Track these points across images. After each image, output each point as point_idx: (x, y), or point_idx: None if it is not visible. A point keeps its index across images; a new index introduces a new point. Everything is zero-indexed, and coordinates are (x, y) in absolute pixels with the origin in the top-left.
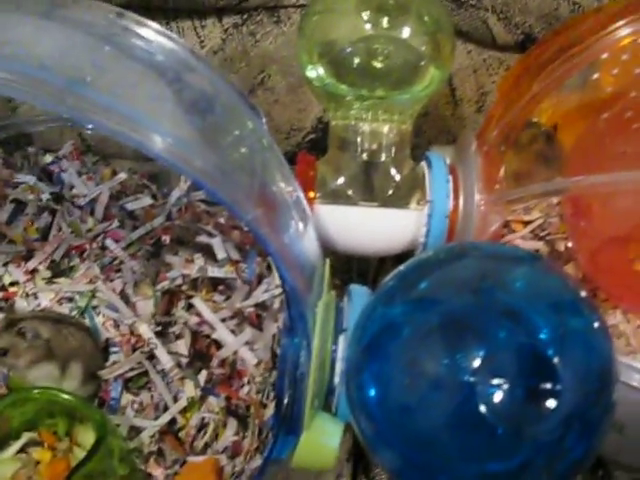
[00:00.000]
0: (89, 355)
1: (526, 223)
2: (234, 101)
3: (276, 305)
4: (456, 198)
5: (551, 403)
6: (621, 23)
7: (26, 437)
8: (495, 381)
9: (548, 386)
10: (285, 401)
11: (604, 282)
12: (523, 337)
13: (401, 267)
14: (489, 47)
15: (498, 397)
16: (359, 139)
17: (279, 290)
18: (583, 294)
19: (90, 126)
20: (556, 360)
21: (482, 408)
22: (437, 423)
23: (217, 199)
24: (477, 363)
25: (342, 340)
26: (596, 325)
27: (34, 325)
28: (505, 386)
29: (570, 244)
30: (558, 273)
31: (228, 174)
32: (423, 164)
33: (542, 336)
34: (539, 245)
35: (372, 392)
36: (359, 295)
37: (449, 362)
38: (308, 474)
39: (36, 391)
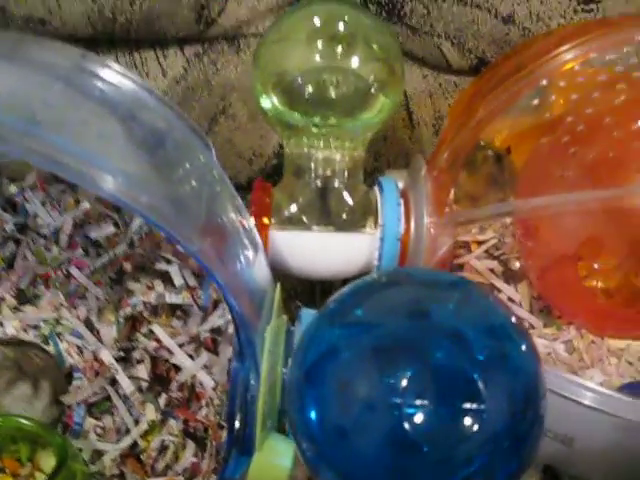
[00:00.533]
0: (54, 375)
1: (481, 243)
2: (187, 136)
3: (231, 330)
4: (407, 221)
5: (475, 423)
6: (563, 49)
7: None
8: (419, 401)
9: (472, 406)
10: (237, 423)
11: (556, 300)
12: (450, 359)
13: (343, 289)
14: (444, 71)
15: (421, 417)
16: (313, 166)
17: None
18: (512, 318)
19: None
20: (480, 381)
21: (407, 428)
22: (371, 444)
23: (164, 233)
24: (404, 384)
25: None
26: (524, 348)
27: (0, 348)
28: (429, 406)
29: (522, 263)
30: (489, 298)
31: (176, 207)
32: (376, 189)
33: (468, 358)
34: (493, 264)
35: (312, 414)
36: (308, 318)
37: (379, 384)
38: None
39: None
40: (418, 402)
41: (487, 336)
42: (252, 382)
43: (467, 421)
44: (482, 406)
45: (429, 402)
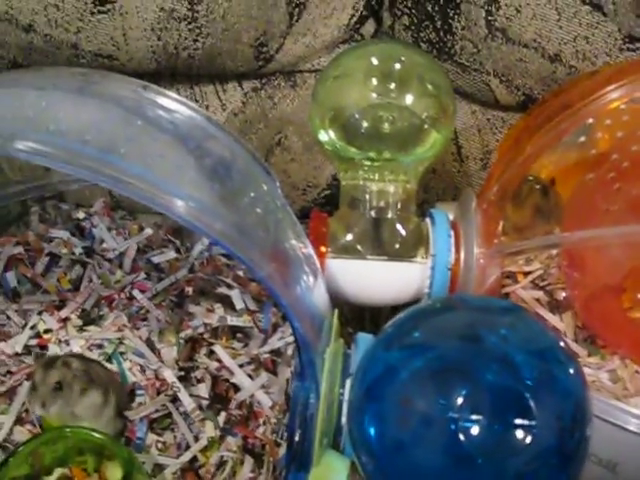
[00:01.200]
0: (119, 390)
1: (527, 274)
2: (250, 165)
3: (290, 352)
4: (457, 252)
5: (526, 437)
6: (609, 88)
7: (58, 472)
8: (474, 416)
9: (523, 422)
10: (296, 439)
11: (600, 330)
12: (503, 379)
13: (400, 315)
14: (492, 107)
15: (476, 431)
16: (367, 197)
17: (292, 338)
18: (561, 343)
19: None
20: (531, 399)
21: (463, 441)
22: (427, 457)
23: (235, 257)
24: (460, 401)
25: (349, 384)
26: (571, 371)
27: (70, 360)
28: (483, 421)
29: (567, 293)
30: (538, 323)
31: (245, 234)
32: (427, 220)
33: (521, 378)
34: (539, 294)
35: (372, 430)
36: (364, 342)
37: (436, 401)
38: None
39: (68, 430)
40: (473, 417)
41: (537, 358)
42: (311, 401)
43: (518, 436)
44: (532, 422)
45: (483, 417)
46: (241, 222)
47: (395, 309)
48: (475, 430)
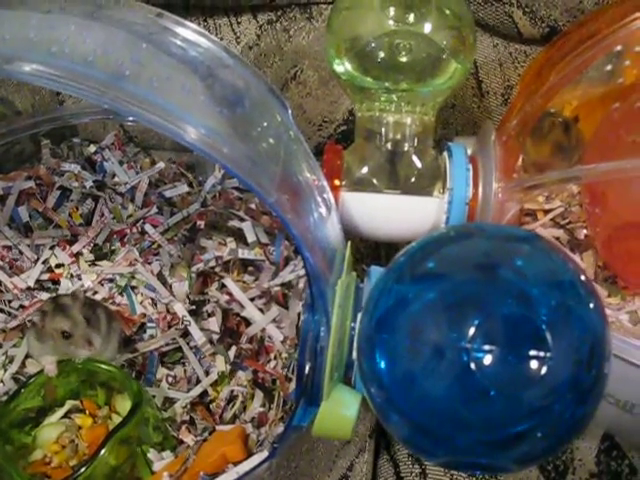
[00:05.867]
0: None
1: (547, 211)
2: (264, 95)
3: (301, 285)
4: (475, 186)
5: (541, 369)
6: (638, 15)
7: (69, 404)
8: (488, 347)
9: (538, 353)
10: (306, 372)
11: (621, 269)
12: (518, 309)
13: (412, 244)
14: (515, 41)
15: (489, 361)
16: (383, 130)
17: (304, 271)
18: (582, 276)
19: (130, 118)
20: (548, 331)
21: (476, 372)
22: (438, 389)
23: (243, 183)
24: (473, 331)
25: (360, 317)
26: (591, 305)
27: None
28: (497, 351)
29: (589, 232)
30: (558, 254)
31: (255, 162)
32: (445, 154)
33: (537, 309)
34: (559, 233)
35: (382, 362)
36: (377, 275)
37: (449, 331)
38: (331, 447)
39: (79, 362)
40: (486, 347)
41: (555, 290)
42: (322, 334)
43: (533, 367)
44: (547, 354)
45: (496, 348)
46: (251, 150)
47: None
48: (488, 361)
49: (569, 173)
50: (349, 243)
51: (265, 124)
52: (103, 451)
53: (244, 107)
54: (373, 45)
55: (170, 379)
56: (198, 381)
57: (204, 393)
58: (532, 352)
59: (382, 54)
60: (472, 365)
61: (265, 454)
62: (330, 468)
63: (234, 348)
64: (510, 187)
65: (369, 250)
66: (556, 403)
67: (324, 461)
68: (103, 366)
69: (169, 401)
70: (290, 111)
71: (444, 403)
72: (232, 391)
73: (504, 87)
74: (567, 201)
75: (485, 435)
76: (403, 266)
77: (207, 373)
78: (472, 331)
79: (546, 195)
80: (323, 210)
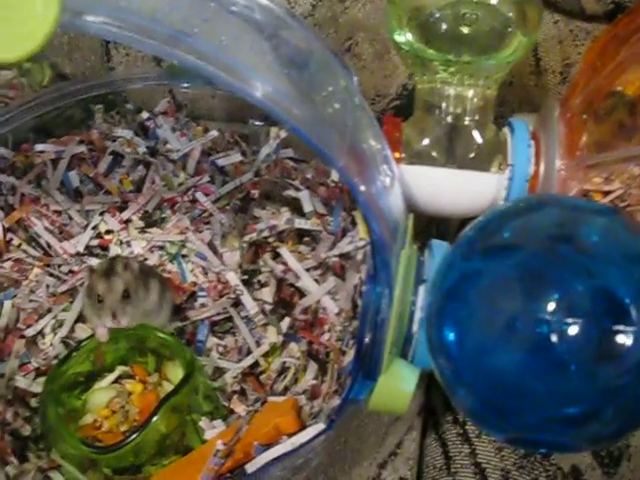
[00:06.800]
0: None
1: (606, 193)
2: (328, 59)
3: (359, 257)
4: (537, 163)
5: (624, 344)
6: None
7: (120, 370)
8: (570, 319)
9: (622, 328)
10: (365, 345)
11: None
12: (599, 281)
13: (480, 218)
14: (577, 17)
15: (572, 333)
16: (444, 103)
17: (362, 242)
18: None
19: (184, 84)
20: (631, 305)
21: (556, 345)
22: (512, 362)
23: (312, 146)
24: (554, 303)
25: (421, 291)
26: None
27: (129, 262)
28: (580, 324)
29: None
30: (637, 227)
31: (324, 126)
32: (505, 130)
33: (618, 283)
34: None
35: (451, 334)
36: (440, 248)
37: (527, 303)
38: (381, 424)
39: (130, 329)
40: (569, 320)
41: (637, 263)
42: (383, 306)
43: (617, 342)
44: (631, 328)
45: (580, 320)
46: (318, 114)
47: (463, 224)
48: (572, 333)
49: (635, 151)
50: (411, 214)
51: (330, 89)
52: (155, 418)
53: (309, 70)
54: (437, 16)
55: (220, 349)
56: (249, 352)
57: (255, 364)
58: (616, 327)
59: (446, 25)
60: (553, 337)
61: (321, 426)
62: (379, 445)
63: (287, 319)
64: (573, 165)
65: (421, 227)
66: (635, 381)
67: (373, 437)
68: (157, 333)
69: (219, 371)
70: (356, 78)
71: (517, 376)
72: (284, 363)
73: (563, 65)
74: (627, 183)
75: (558, 411)
76: (474, 238)
77: (258, 344)
78: (554, 303)
79: (605, 176)
80: (387, 179)
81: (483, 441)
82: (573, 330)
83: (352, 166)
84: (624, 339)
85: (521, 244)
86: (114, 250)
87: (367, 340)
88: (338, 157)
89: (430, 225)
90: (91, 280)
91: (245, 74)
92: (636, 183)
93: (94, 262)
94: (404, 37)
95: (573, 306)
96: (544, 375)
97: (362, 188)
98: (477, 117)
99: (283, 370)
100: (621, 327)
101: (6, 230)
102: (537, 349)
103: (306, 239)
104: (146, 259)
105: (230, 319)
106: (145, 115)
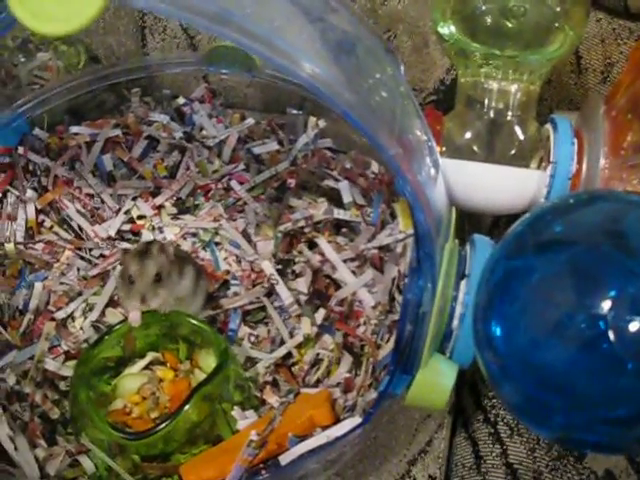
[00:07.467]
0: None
1: None
2: (375, 45)
3: (399, 249)
4: (580, 161)
5: None
6: None
7: (151, 356)
8: (630, 316)
9: None
10: (405, 338)
11: None
12: None
13: (529, 214)
14: (620, 16)
15: (633, 330)
16: (487, 97)
17: (402, 235)
18: None
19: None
20: None
21: (614, 342)
22: (562, 359)
23: (364, 133)
24: (612, 299)
25: (463, 286)
26: None
27: (165, 246)
28: (639, 321)
29: None
30: None
31: (374, 112)
32: (548, 126)
33: None
34: None
35: (499, 330)
36: (482, 243)
37: (582, 299)
38: (412, 420)
39: (162, 315)
40: (628, 317)
41: None
42: (425, 299)
43: None
44: None
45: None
46: (367, 100)
47: (496, 222)
48: (632, 330)
49: None
50: (454, 208)
51: (378, 76)
52: (187, 406)
53: (357, 56)
54: (482, 8)
55: (252, 338)
56: (282, 342)
57: (287, 355)
58: None
59: (490, 18)
60: (610, 334)
61: (358, 420)
62: (409, 442)
63: (322, 311)
64: (617, 164)
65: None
66: None
67: (404, 434)
68: (191, 320)
69: (251, 361)
70: (402, 67)
71: (567, 373)
72: (317, 354)
73: (604, 64)
74: None
75: (607, 411)
76: (524, 234)
77: (291, 335)
78: (611, 299)
79: None
80: (432, 170)
81: (515, 442)
82: (633, 327)
83: (402, 155)
84: None
85: (574, 239)
86: (146, 236)
87: (407, 333)
88: (389, 145)
89: (463, 222)
90: (124, 261)
91: (296, 56)
92: None
93: (126, 247)
94: (448, 29)
95: (634, 302)
96: (598, 373)
97: (410, 177)
98: (520, 113)
99: (316, 362)
100: None
101: (38, 212)
102: (593, 346)
103: (343, 230)
104: (179, 245)
105: (263, 309)
106: (182, 100)
